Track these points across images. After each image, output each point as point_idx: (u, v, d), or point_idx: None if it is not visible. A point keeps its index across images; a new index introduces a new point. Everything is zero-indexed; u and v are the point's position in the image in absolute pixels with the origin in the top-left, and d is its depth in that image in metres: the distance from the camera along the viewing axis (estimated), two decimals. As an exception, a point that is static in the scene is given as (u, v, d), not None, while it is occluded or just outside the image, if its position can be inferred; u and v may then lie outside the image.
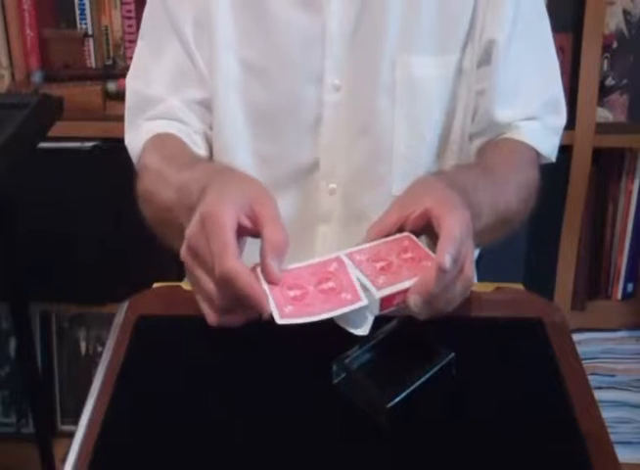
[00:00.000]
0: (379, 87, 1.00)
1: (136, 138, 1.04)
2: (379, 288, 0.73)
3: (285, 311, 0.71)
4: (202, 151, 1.04)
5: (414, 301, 0.73)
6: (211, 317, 0.76)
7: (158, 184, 0.92)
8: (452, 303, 0.76)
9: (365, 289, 0.73)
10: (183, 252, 0.76)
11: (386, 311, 0.74)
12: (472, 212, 0.79)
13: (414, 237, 0.78)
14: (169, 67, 1.03)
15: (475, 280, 1.17)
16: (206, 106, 1.04)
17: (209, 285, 0.74)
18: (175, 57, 1.03)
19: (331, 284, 0.74)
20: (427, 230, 0.78)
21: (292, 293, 0.72)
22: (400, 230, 0.79)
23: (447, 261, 0.72)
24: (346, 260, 0.76)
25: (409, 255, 0.76)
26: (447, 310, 0.76)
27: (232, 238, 0.72)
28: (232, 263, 0.70)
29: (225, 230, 0.72)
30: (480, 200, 0.86)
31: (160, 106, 1.03)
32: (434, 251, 0.76)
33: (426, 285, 0.73)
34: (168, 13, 1.02)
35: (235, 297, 0.72)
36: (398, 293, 0.73)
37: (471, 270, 0.77)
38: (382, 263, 0.75)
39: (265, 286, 0.72)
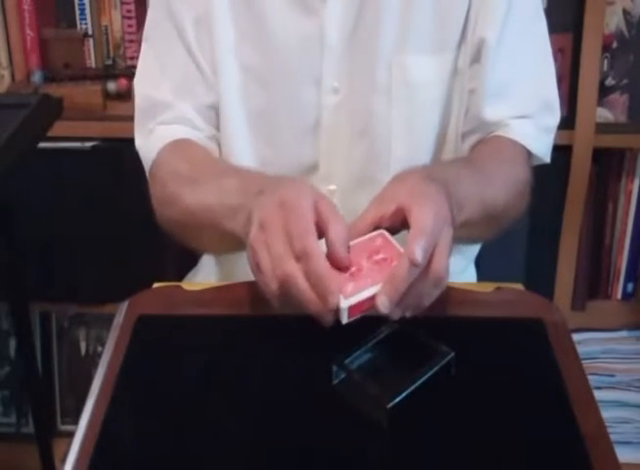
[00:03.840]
0: (376, 89, 1.00)
1: (148, 142, 1.04)
2: (346, 297, 0.72)
3: (347, 291, 0.73)
4: (215, 154, 1.05)
5: (382, 302, 0.72)
6: (274, 298, 0.75)
7: (189, 187, 0.93)
8: (425, 298, 0.75)
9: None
10: (254, 233, 0.76)
11: (356, 317, 0.73)
12: (452, 203, 0.78)
13: (387, 235, 0.78)
14: (176, 71, 1.03)
15: (474, 279, 1.17)
16: (215, 109, 1.04)
17: (288, 263, 0.73)
18: (181, 61, 1.03)
19: (382, 255, 0.76)
20: (405, 226, 0.77)
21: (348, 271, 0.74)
22: (378, 227, 0.79)
23: (417, 254, 0.71)
24: (388, 235, 0.77)
25: (380, 256, 0.76)
26: (422, 307, 0.75)
27: (312, 222, 0.73)
28: (314, 243, 0.72)
29: (307, 214, 0.73)
30: (462, 191, 0.85)
31: (170, 111, 1.03)
32: None
33: (392, 285, 0.72)
34: (172, 16, 1.02)
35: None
36: (366, 300, 0.73)
37: (441, 263, 0.74)
38: (352, 269, 0.75)
39: None
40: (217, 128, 1.05)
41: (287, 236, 0.73)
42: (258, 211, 0.77)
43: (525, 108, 1.03)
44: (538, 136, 1.04)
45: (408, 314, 0.75)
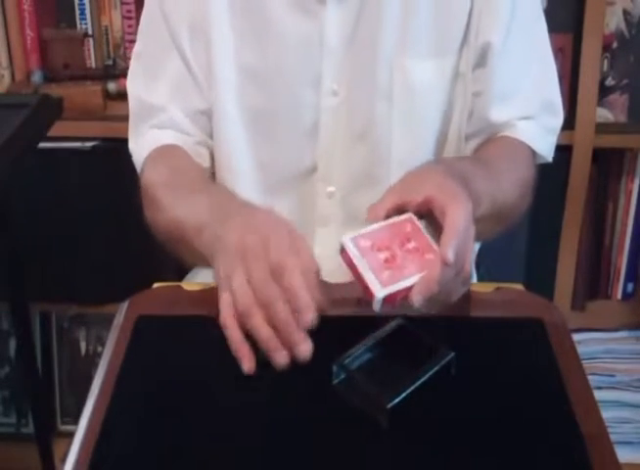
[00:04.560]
0: (376, 91, 1.00)
1: (139, 145, 1.05)
2: (383, 285, 0.72)
3: (383, 278, 0.72)
4: (205, 162, 1.05)
5: (417, 300, 0.73)
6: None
7: (166, 197, 0.93)
8: (453, 296, 0.76)
9: (371, 284, 0.73)
10: (227, 257, 0.75)
11: (387, 308, 0.74)
12: (472, 201, 0.79)
13: (416, 220, 0.78)
14: (169, 75, 1.03)
15: (474, 279, 1.17)
16: (208, 115, 1.04)
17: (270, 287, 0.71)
18: (174, 65, 1.03)
19: (413, 244, 0.76)
20: (428, 217, 0.78)
21: (382, 255, 0.74)
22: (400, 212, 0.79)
23: (451, 256, 0.72)
24: (416, 221, 0.77)
25: (412, 244, 0.76)
26: (449, 304, 0.76)
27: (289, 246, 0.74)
28: (293, 260, 0.72)
29: (285, 238, 0.74)
30: (478, 188, 0.85)
31: (162, 115, 1.04)
32: (434, 237, 0.76)
33: (429, 283, 0.73)
34: (166, 20, 1.02)
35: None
36: (401, 291, 0.73)
37: (470, 265, 0.77)
38: (385, 254, 0.75)
39: (359, 258, 0.74)
40: (209, 133, 1.05)
41: (266, 261, 0.72)
42: (229, 234, 0.76)
43: (530, 109, 1.03)
44: (542, 136, 1.04)
45: (434, 311, 0.75)
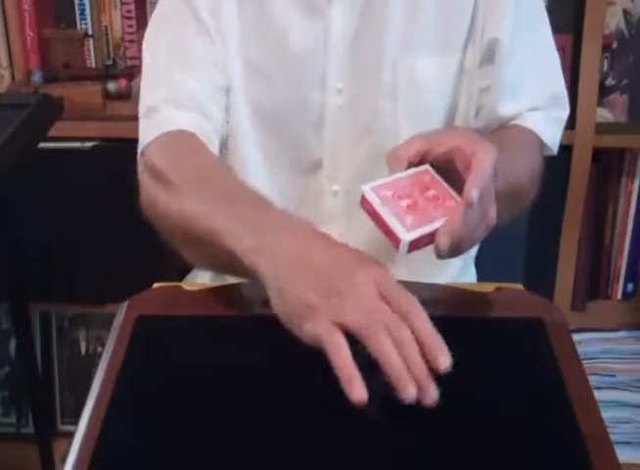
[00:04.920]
0: (381, 89, 1.00)
1: (148, 122, 0.99)
2: (408, 229, 0.73)
3: (407, 222, 0.73)
4: (215, 149, 1.00)
5: (444, 243, 0.73)
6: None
7: (192, 193, 0.87)
8: (474, 243, 0.77)
9: (396, 229, 0.73)
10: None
11: (413, 250, 0.74)
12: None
13: (433, 171, 0.78)
14: (188, 47, 1.00)
15: (474, 279, 1.17)
16: (227, 92, 1.02)
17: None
18: (194, 38, 1.00)
19: (433, 192, 0.76)
20: (447, 169, 0.78)
21: (404, 202, 0.75)
22: (421, 162, 0.79)
23: (475, 196, 0.72)
24: (433, 172, 0.78)
25: (432, 192, 0.77)
26: (470, 248, 0.77)
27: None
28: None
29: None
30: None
31: (182, 86, 0.99)
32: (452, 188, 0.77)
33: (455, 225, 0.73)
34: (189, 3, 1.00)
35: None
36: (425, 235, 0.74)
37: (494, 208, 0.77)
38: (407, 201, 0.75)
39: (382, 205, 0.74)
40: (227, 112, 1.03)
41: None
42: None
43: (537, 100, 1.04)
44: (549, 126, 1.05)
45: (456, 255, 0.76)
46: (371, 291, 0.69)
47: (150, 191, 0.93)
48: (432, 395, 0.67)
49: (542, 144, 1.05)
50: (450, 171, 0.78)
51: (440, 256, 0.75)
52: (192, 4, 1.01)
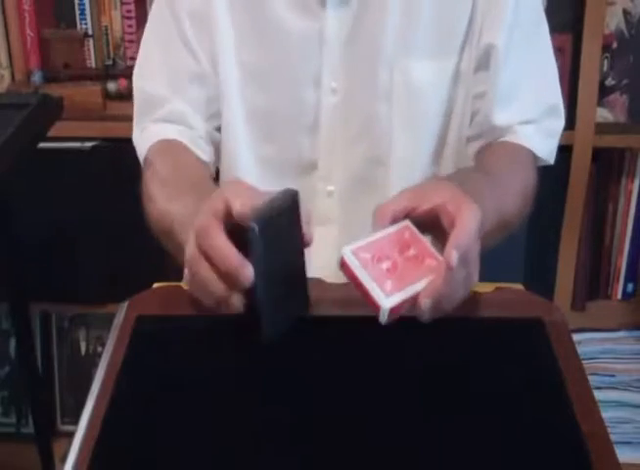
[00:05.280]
0: (376, 91, 1.00)
1: (142, 139, 1.05)
2: (387, 295, 0.71)
3: (387, 288, 0.71)
4: (206, 155, 1.04)
5: (425, 305, 0.72)
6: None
7: (162, 195, 0.93)
8: (455, 303, 0.75)
9: (375, 295, 0.71)
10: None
11: (394, 317, 0.72)
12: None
13: (413, 227, 0.77)
14: (173, 63, 1.03)
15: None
16: (212, 103, 1.04)
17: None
18: (178, 53, 1.03)
19: (413, 251, 0.74)
20: (430, 227, 0.77)
21: (383, 265, 0.73)
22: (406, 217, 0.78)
23: (455, 258, 0.71)
24: (413, 228, 0.76)
25: (412, 251, 0.75)
26: (451, 309, 0.75)
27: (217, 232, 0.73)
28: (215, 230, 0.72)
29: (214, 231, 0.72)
30: (484, 207, 0.85)
31: (165, 107, 1.04)
32: (436, 248, 0.75)
33: (436, 288, 0.72)
34: (172, 5, 1.02)
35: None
36: (406, 300, 0.72)
37: (477, 272, 0.76)
38: (387, 263, 0.73)
39: (361, 270, 0.72)
40: (213, 122, 1.05)
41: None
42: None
43: (532, 112, 1.03)
44: (543, 140, 1.04)
45: (437, 316, 0.74)
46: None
47: (143, 205, 0.97)
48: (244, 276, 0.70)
49: (536, 158, 1.04)
50: (436, 227, 0.77)
51: (422, 317, 0.73)
52: (174, 10, 1.02)
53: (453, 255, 0.71)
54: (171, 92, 1.03)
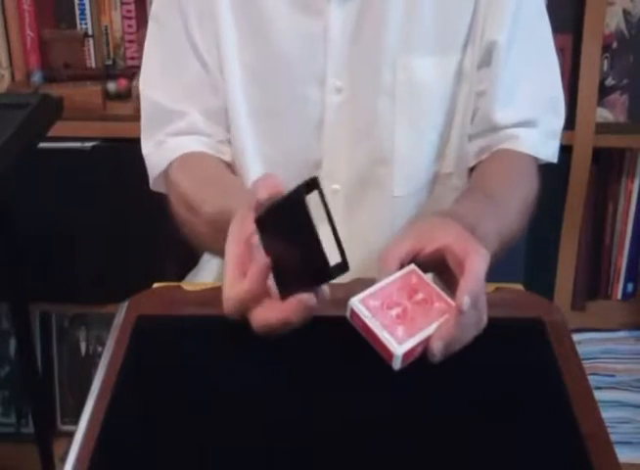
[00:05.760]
0: (380, 89, 1.00)
1: (158, 153, 1.04)
2: (399, 342, 0.71)
3: (398, 334, 0.71)
4: (227, 157, 1.05)
5: (437, 348, 0.71)
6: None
7: (189, 212, 0.94)
8: (464, 345, 0.74)
9: (387, 342, 0.71)
10: None
11: (407, 362, 0.72)
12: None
13: (419, 271, 0.76)
14: (186, 76, 1.03)
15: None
16: (225, 110, 1.04)
17: None
18: (189, 62, 1.02)
19: (421, 295, 0.74)
20: (437, 268, 0.77)
21: (393, 312, 0.73)
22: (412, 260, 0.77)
23: (467, 303, 0.71)
24: (419, 272, 0.76)
25: (420, 296, 0.75)
26: (459, 349, 0.75)
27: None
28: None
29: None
30: (487, 230, 0.84)
31: (182, 121, 1.03)
32: (440, 286, 0.76)
33: (448, 331, 0.72)
34: (181, 12, 1.01)
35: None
36: (419, 344, 0.72)
37: (486, 313, 0.75)
38: (396, 310, 0.73)
39: (371, 318, 0.72)
40: (228, 129, 1.05)
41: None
42: None
43: (533, 110, 1.03)
44: (545, 143, 1.05)
45: (447, 357, 0.73)
46: None
47: (177, 212, 0.99)
48: None
49: (539, 161, 1.04)
50: (442, 268, 0.76)
51: (433, 360, 0.72)
52: (185, 17, 1.01)
53: (465, 300, 0.71)
54: (188, 105, 1.03)
